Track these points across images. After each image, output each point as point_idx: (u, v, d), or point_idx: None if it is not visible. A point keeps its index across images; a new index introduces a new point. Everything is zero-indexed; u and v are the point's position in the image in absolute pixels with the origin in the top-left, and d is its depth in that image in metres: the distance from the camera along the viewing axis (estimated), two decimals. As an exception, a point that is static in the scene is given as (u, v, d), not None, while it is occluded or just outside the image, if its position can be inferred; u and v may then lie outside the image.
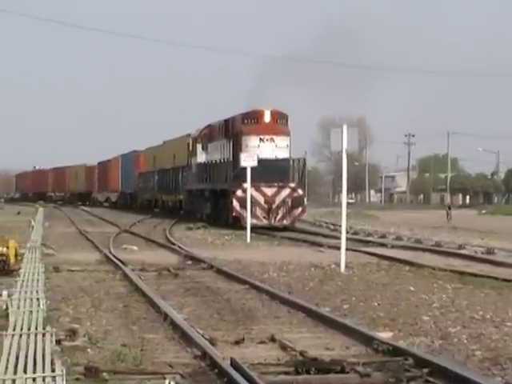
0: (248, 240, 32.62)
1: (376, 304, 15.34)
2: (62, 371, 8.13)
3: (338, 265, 21.68)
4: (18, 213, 64.34)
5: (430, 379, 9.07)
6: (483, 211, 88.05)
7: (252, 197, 35.30)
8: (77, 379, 8.73)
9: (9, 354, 9.09)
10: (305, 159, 40.86)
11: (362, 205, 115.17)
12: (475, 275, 20.18)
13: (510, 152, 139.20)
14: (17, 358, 8.85)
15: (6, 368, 8.39)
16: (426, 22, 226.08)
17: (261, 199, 36.85)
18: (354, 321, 12.78)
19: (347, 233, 24.68)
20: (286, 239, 34.33)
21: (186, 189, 49.10)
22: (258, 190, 36.73)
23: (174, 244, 30.41)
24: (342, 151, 22.41)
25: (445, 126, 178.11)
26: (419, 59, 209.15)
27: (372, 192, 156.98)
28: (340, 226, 24.48)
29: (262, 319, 13.56)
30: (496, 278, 19.40)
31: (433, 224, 50.75)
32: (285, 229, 37.54)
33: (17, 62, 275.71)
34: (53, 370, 8.19)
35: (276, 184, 37.85)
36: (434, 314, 14.07)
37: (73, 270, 21.41)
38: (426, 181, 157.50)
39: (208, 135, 44.92)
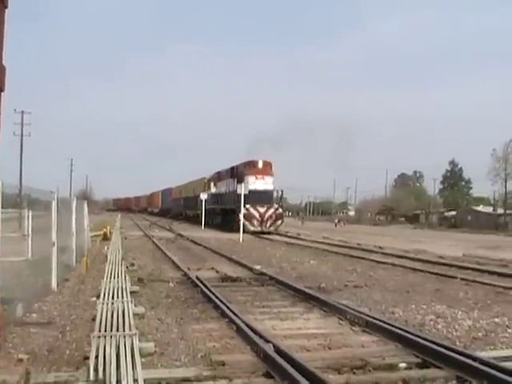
0: (203, 228, 31.83)
1: (254, 255, 15.41)
2: (129, 279, 8.26)
3: (239, 239, 21.62)
4: (110, 215, 61.47)
5: (275, 284, 9.26)
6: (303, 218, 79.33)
7: (251, 212, 27.87)
8: (134, 282, 8.77)
9: (108, 272, 9.12)
10: (282, 191, 30.29)
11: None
12: (292, 244, 20.44)
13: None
14: (111, 273, 8.91)
15: (106, 278, 8.43)
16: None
17: (256, 214, 28.09)
18: (245, 261, 12.80)
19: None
20: (219, 228, 31.24)
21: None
22: (255, 208, 28.02)
23: (172, 229, 29.62)
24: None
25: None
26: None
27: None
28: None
29: (208, 260, 13.54)
30: (300, 245, 19.74)
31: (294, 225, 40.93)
32: (269, 233, 27.84)
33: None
34: (124, 278, 8.28)
35: (266, 205, 28.45)
36: (276, 259, 14.22)
37: (132, 239, 21.09)
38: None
39: (217, 177, 35.07)
